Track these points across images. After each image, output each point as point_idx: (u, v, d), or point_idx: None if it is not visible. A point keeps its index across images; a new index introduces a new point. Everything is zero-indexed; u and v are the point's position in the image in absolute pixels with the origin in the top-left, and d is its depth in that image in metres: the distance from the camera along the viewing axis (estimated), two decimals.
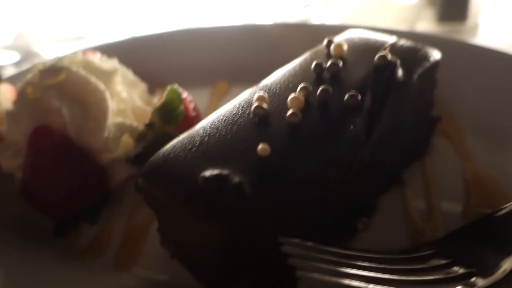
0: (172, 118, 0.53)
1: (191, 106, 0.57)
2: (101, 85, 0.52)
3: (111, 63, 0.58)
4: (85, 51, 0.64)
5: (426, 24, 0.89)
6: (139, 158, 0.54)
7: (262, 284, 0.41)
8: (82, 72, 0.52)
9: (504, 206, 0.44)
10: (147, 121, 0.54)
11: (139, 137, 0.54)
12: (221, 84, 0.74)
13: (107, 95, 0.52)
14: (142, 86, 0.65)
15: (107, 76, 0.55)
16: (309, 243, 0.37)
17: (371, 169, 0.47)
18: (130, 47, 0.77)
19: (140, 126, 0.55)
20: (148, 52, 0.77)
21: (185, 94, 0.57)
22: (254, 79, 0.51)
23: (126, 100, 0.57)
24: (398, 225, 0.48)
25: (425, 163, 0.55)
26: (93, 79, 0.52)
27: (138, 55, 0.75)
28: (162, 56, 0.77)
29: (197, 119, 0.56)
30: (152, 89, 0.70)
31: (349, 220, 0.47)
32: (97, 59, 0.58)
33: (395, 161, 0.53)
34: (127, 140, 0.54)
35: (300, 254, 0.36)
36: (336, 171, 0.42)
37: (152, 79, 0.71)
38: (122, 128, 0.52)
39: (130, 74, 0.63)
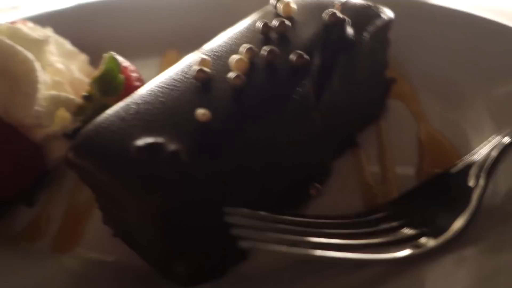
0: (111, 88, 0.49)
1: (133, 75, 0.53)
2: (30, 55, 0.47)
3: (42, 32, 0.53)
4: (13, 22, 0.58)
5: None
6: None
7: (210, 258, 0.39)
8: (8, 41, 0.47)
9: (455, 164, 0.44)
10: (84, 93, 0.49)
11: (77, 110, 0.50)
12: (171, 53, 0.69)
13: (37, 65, 0.47)
14: (83, 57, 0.60)
15: (37, 45, 0.50)
16: (254, 212, 0.35)
17: (324, 133, 0.46)
18: (71, 16, 0.71)
19: (79, 99, 0.50)
20: (91, 21, 0.71)
21: (126, 63, 0.53)
22: None
23: (62, 71, 0.53)
24: (353, 189, 0.47)
25: (380, 126, 0.53)
26: (20, 48, 0.47)
27: (80, 24, 0.69)
28: (107, 25, 0.71)
29: None
30: (96, 61, 0.65)
31: (302, 186, 0.45)
32: (26, 28, 0.53)
33: (349, 124, 0.51)
34: (63, 114, 0.50)
35: (245, 224, 0.34)
36: (284, 135, 0.40)
37: (96, 50, 0.65)
38: (56, 102, 0.48)
39: (67, 44, 0.58)
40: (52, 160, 0.50)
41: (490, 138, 0.44)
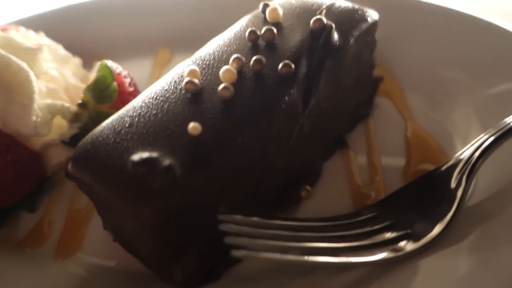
0: (105, 96, 0.50)
1: (126, 81, 0.54)
2: (24, 65, 0.48)
3: (35, 39, 0.54)
4: (5, 26, 0.59)
5: None
6: (76, 139, 0.52)
7: (206, 263, 0.41)
8: (1, 51, 0.48)
9: (442, 164, 0.45)
10: (80, 100, 0.51)
11: (74, 118, 0.51)
12: (163, 52, 0.70)
13: (32, 75, 0.48)
14: (76, 61, 0.61)
15: (31, 54, 0.51)
16: (246, 218, 0.37)
17: (313, 137, 0.47)
18: (62, 17, 0.71)
19: (74, 107, 0.52)
20: (82, 23, 0.72)
21: (119, 69, 0.54)
22: (198, 45, 0.48)
23: (56, 78, 0.54)
24: (342, 190, 0.48)
25: (369, 125, 0.55)
26: (14, 58, 0.48)
27: (71, 25, 0.70)
28: (98, 26, 0.72)
29: (135, 94, 0.54)
30: (89, 63, 0.66)
31: (293, 189, 0.47)
32: (18, 35, 0.53)
33: (338, 126, 0.52)
34: (60, 122, 0.51)
35: (237, 232, 0.36)
36: (274, 143, 0.41)
37: (89, 52, 0.66)
38: (52, 110, 0.49)
39: (60, 49, 0.59)
40: (51, 167, 0.51)
41: (476, 139, 0.46)
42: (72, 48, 0.64)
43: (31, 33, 0.58)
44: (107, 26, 0.72)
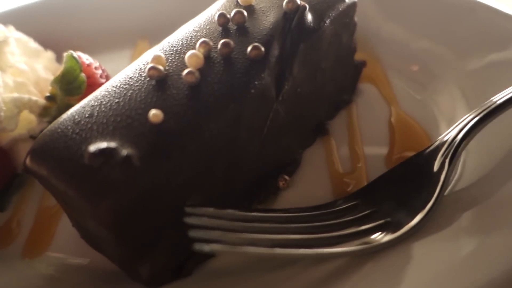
0: (74, 88, 0.48)
1: (98, 72, 0.52)
2: None
3: (2, 32, 0.52)
4: None
5: None
6: None
7: (175, 259, 0.39)
8: None
9: (426, 147, 0.43)
10: (47, 94, 0.49)
11: (42, 112, 0.49)
12: (142, 44, 0.68)
13: None
14: (48, 55, 0.59)
15: None
16: (215, 210, 0.35)
17: (290, 124, 0.45)
18: (36, 12, 0.69)
19: (42, 100, 0.50)
20: (57, 15, 0.69)
21: (89, 60, 0.52)
22: None
23: (25, 72, 0.52)
24: (322, 179, 0.46)
25: (351, 112, 0.52)
26: None
27: (46, 20, 0.68)
28: (74, 19, 0.69)
29: None
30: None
31: (270, 179, 0.45)
32: None
33: (319, 113, 0.50)
34: (29, 117, 0.49)
35: (204, 225, 0.34)
36: (245, 131, 0.39)
37: (65, 46, 0.64)
38: (19, 104, 0.47)
39: (30, 43, 0.57)
40: (21, 163, 0.49)
41: (460, 120, 0.43)
42: (47, 42, 0.62)
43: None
44: (84, 19, 0.70)
